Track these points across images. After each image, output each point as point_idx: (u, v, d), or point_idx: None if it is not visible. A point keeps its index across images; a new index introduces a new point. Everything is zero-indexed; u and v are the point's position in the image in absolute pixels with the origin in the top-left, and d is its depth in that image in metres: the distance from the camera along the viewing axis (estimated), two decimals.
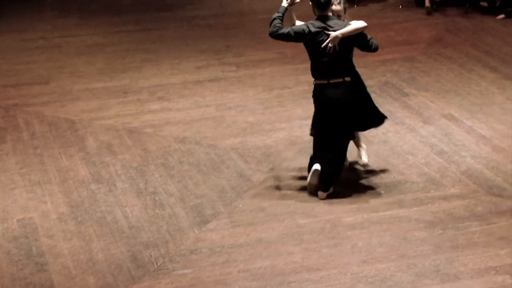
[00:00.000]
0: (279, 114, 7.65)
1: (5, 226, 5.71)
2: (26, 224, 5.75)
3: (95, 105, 7.86)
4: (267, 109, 7.77)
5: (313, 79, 6.11)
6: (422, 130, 7.23)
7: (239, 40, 9.81)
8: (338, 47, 5.88)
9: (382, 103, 7.80)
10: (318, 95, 6.12)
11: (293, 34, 5.95)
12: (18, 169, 6.58)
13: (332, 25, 5.91)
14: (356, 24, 5.92)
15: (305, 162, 6.64)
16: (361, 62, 8.87)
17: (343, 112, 6.02)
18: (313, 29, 5.92)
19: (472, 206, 5.94)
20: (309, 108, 7.71)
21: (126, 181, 6.38)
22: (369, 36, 6.00)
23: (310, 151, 6.84)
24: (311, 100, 7.83)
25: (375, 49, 6.07)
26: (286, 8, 6.03)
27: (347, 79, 6.04)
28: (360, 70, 8.54)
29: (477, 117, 7.46)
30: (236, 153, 6.84)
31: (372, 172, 6.47)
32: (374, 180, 6.35)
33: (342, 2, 6.27)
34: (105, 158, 6.76)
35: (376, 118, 6.46)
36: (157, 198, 6.13)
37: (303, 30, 5.94)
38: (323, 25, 5.92)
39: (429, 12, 10.67)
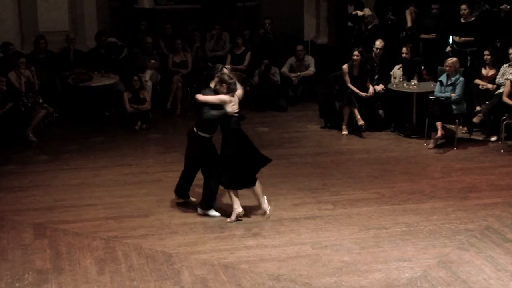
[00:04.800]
0: (375, 255, 7.51)
1: None
2: None
3: (191, 239, 7.94)
4: (364, 249, 7.66)
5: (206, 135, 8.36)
6: None
7: (336, 179, 9.84)
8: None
9: (483, 248, 7.58)
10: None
11: None
12: None
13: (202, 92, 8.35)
14: (197, 95, 8.33)
15: None
16: (461, 205, 8.76)
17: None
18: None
19: None
20: (407, 250, 7.60)
21: None
22: (206, 108, 8.21)
23: None
24: (409, 242, 7.76)
25: (204, 119, 8.26)
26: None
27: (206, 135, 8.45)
28: (460, 214, 8.49)
29: None
30: None
31: None
32: None
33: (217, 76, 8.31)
34: None
35: None
36: None
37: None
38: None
39: None
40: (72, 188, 9.55)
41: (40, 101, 11.81)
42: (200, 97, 8.29)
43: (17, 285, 6.92)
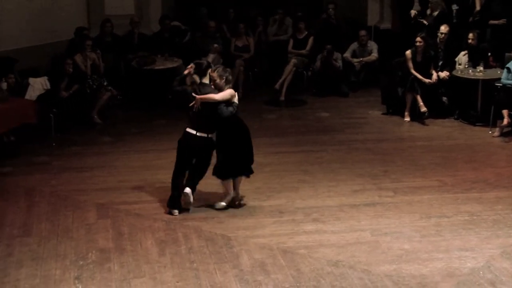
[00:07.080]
0: (436, 244, 7.42)
1: None
2: None
3: (251, 223, 7.98)
4: (424, 237, 7.58)
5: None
6: None
7: (397, 166, 9.74)
8: (201, 107, 7.91)
9: None
10: (183, 143, 8.07)
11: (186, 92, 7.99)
12: (175, 281, 6.73)
13: (201, 90, 7.98)
14: (211, 95, 7.93)
15: None
16: None
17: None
18: (191, 90, 8.02)
19: None
20: (469, 239, 7.49)
21: None
22: (222, 105, 7.94)
23: (469, 284, 6.57)
24: (472, 231, 7.65)
25: (223, 117, 7.94)
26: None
27: (208, 135, 8.04)
28: None
29: None
30: (390, 281, 6.66)
31: None
32: None
33: (217, 71, 8.10)
34: (258, 277, 6.78)
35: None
36: None
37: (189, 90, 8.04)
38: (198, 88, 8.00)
39: None
40: (134, 170, 9.70)
41: (105, 83, 12.01)
42: (216, 96, 7.96)
43: (81, 263, 7.09)
